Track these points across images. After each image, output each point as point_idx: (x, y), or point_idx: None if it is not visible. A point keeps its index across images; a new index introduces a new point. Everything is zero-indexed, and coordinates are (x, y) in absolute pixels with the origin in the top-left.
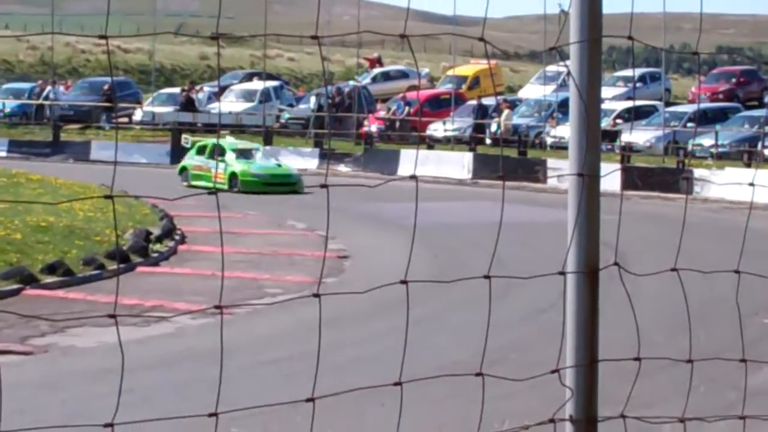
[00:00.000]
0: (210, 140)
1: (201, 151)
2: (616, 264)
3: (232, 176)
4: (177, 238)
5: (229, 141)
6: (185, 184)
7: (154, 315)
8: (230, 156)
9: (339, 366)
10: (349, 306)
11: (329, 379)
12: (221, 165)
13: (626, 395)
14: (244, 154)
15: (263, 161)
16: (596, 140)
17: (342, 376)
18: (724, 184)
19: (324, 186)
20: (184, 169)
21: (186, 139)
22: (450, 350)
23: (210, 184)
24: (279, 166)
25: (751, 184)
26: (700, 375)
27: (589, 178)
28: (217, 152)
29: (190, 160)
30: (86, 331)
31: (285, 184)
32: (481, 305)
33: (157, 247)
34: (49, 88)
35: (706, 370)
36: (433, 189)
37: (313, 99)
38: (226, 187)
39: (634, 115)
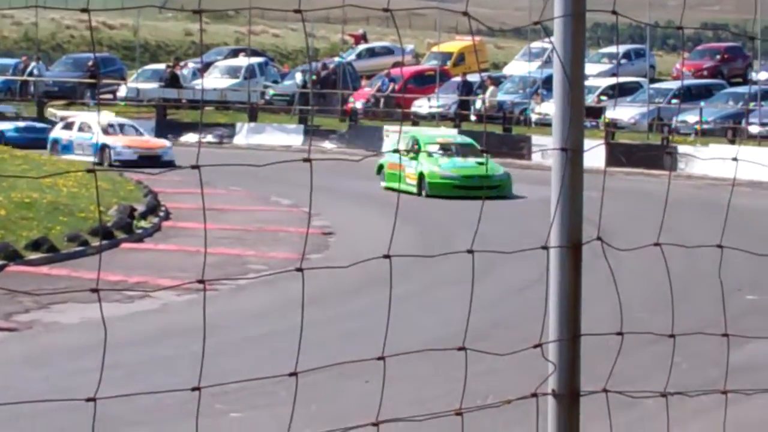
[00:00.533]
0: (412, 131)
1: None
2: (599, 239)
3: (421, 177)
4: (161, 214)
5: (428, 133)
6: (383, 185)
7: (137, 290)
8: (426, 151)
9: (323, 342)
10: (334, 282)
11: (314, 354)
12: (413, 163)
13: (608, 371)
14: (445, 149)
15: (462, 159)
16: (580, 115)
17: (326, 352)
18: (708, 159)
19: (306, 160)
20: (381, 168)
21: (386, 131)
22: (434, 327)
23: (404, 188)
24: (480, 164)
25: (735, 159)
26: (683, 352)
27: (572, 152)
28: (413, 146)
29: (389, 156)
30: (70, 308)
31: (482, 188)
32: (466, 282)
33: (142, 223)
34: (33, 64)
35: (688, 347)
36: None
37: (298, 75)
38: (415, 189)
39: (619, 92)
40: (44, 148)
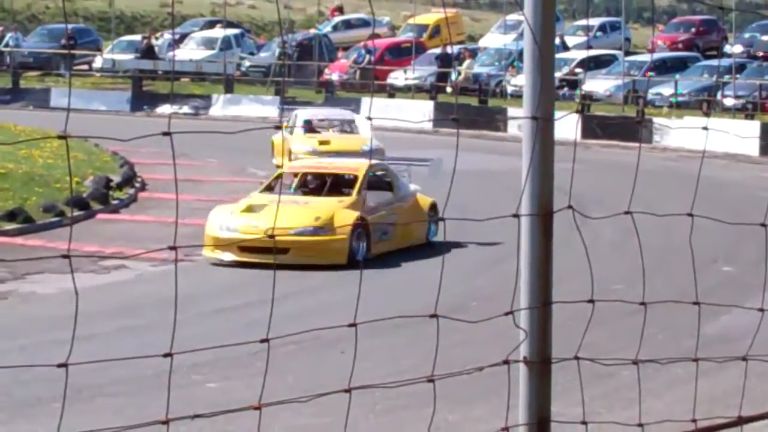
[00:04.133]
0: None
1: None
2: (570, 207)
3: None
4: (137, 185)
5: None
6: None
7: (109, 257)
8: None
9: (299, 314)
10: None
11: (288, 326)
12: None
13: (585, 341)
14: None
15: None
16: (550, 83)
17: (302, 324)
18: (680, 127)
19: (278, 127)
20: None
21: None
22: (409, 298)
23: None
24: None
25: (705, 128)
26: (658, 323)
27: (543, 121)
28: None
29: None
30: (46, 278)
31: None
32: (441, 252)
33: (117, 194)
34: (10, 34)
35: (663, 318)
36: (394, 137)
37: (277, 48)
38: None
39: (594, 64)
40: None
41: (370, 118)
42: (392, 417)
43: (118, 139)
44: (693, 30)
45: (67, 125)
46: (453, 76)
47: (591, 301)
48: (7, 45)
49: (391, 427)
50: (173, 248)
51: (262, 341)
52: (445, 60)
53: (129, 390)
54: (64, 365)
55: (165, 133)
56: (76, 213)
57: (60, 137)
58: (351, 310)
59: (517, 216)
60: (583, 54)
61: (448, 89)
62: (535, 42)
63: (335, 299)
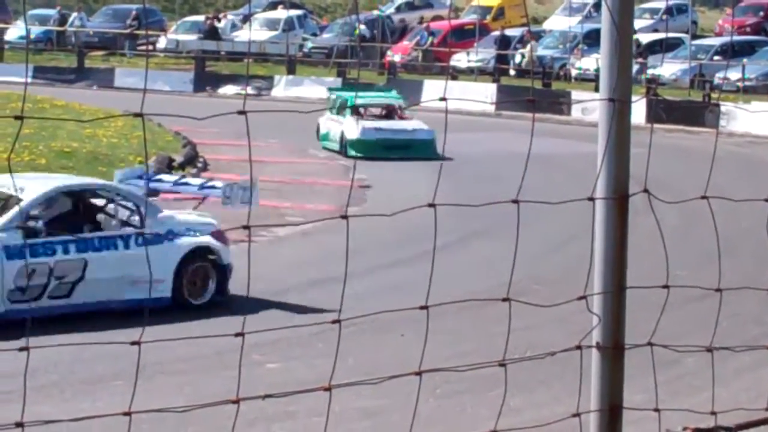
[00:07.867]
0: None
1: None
2: (645, 191)
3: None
4: (199, 165)
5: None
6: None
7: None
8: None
9: (359, 295)
10: (370, 236)
11: (351, 307)
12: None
13: (651, 328)
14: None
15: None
16: (628, 65)
17: (364, 305)
18: (757, 111)
19: (356, 108)
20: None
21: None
22: (472, 281)
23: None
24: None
25: None
26: (723, 310)
27: (620, 103)
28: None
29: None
30: None
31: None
32: (503, 236)
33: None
34: (75, 14)
35: (728, 305)
36: (456, 120)
37: (362, 26)
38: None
39: (661, 48)
40: None
41: (444, 99)
42: (453, 401)
43: (193, 118)
44: (761, 13)
45: (143, 101)
46: (517, 59)
47: (666, 286)
48: (72, 25)
49: (452, 410)
50: (246, 227)
51: (333, 322)
52: (503, 42)
53: (189, 368)
54: (137, 343)
55: (240, 112)
56: None
57: (136, 115)
58: (414, 290)
59: (592, 199)
60: (649, 37)
61: (512, 72)
62: (613, 22)
63: (398, 280)
